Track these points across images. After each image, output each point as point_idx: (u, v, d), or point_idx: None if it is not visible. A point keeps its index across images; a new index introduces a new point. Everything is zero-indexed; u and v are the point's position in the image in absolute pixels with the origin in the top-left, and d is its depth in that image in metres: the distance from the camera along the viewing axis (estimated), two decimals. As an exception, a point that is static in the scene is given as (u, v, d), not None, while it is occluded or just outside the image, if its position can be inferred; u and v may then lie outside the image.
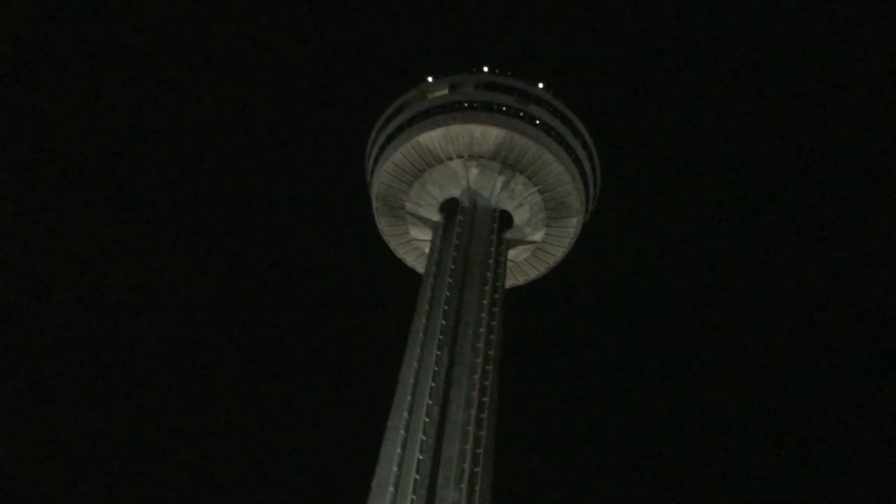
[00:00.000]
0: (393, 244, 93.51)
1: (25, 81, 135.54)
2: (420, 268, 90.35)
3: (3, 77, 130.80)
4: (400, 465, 61.54)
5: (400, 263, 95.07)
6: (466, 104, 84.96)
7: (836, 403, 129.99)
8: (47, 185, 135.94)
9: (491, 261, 79.18)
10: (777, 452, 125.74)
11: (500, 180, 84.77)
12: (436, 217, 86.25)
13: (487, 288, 76.14)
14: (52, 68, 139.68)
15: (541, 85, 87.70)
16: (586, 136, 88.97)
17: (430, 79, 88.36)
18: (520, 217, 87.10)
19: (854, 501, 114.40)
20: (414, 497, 59.91)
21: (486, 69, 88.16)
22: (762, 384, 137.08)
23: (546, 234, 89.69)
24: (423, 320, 72.23)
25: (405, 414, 64.75)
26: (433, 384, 67.28)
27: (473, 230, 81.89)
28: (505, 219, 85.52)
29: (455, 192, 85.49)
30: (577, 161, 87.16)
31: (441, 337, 70.91)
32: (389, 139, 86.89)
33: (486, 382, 68.09)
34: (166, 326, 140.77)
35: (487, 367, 69.34)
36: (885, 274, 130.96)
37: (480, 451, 62.97)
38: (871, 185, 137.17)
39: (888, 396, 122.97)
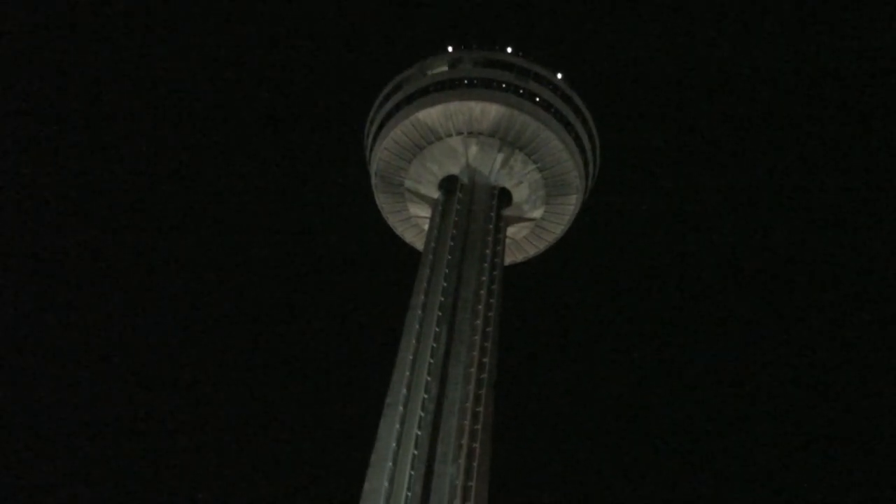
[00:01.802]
0: (392, 221, 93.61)
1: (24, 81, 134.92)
2: (419, 245, 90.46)
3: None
4: (398, 441, 61.81)
5: (399, 240, 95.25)
6: (466, 81, 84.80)
7: (841, 397, 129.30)
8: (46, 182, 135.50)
9: (490, 238, 79.28)
10: (783, 445, 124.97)
11: (499, 157, 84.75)
12: (435, 194, 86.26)
13: (486, 265, 76.28)
14: (50, 67, 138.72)
15: (541, 62, 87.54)
16: (586, 113, 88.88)
17: (429, 55, 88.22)
18: (519, 194, 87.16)
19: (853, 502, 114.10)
20: (412, 472, 60.25)
21: (485, 46, 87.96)
22: (765, 368, 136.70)
23: (545, 211, 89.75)
24: (422, 297, 72.39)
25: (404, 390, 64.99)
26: (431, 361, 67.52)
27: (472, 207, 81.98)
28: (504, 196, 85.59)
29: (454, 170, 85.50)
30: (576, 138, 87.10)
31: (440, 314, 71.09)
32: (388, 116, 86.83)
33: (485, 359, 68.29)
34: (165, 299, 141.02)
35: (486, 344, 69.54)
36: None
37: (479, 427, 63.16)
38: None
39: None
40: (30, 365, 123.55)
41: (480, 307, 72.29)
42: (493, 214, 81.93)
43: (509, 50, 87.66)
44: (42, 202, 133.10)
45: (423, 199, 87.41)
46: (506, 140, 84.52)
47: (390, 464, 60.12)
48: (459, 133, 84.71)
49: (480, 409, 64.44)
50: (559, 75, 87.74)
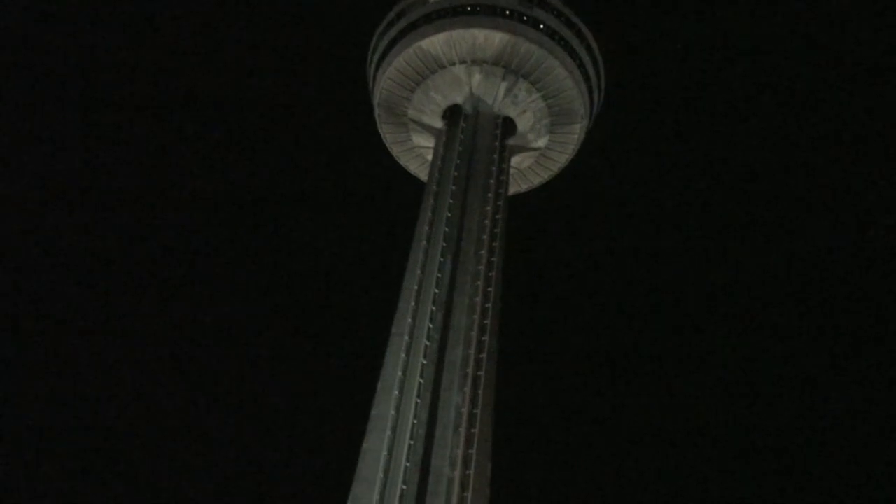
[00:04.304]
0: (396, 151, 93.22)
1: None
2: (423, 175, 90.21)
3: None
4: (404, 371, 62.48)
5: (403, 171, 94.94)
6: (469, 8, 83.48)
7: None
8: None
9: (494, 167, 79.00)
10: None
11: (503, 86, 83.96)
12: (438, 124, 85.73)
13: (490, 195, 76.18)
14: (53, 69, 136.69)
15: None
16: (591, 40, 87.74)
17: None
18: (523, 123, 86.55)
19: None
20: (418, 400, 61.02)
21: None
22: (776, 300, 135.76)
23: (549, 140, 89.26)
24: (427, 227, 72.47)
25: (409, 320, 65.48)
26: (436, 291, 67.89)
27: (476, 137, 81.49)
28: (508, 125, 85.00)
29: (458, 99, 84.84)
30: (581, 66, 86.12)
31: (444, 244, 71.21)
32: (391, 45, 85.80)
33: (490, 289, 68.66)
34: (172, 232, 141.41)
35: (490, 274, 69.85)
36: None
37: (483, 355, 63.77)
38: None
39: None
40: (30, 364, 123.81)
41: (485, 237, 72.38)
42: (497, 144, 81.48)
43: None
44: (44, 199, 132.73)
45: (427, 128, 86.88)
46: (510, 68, 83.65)
47: (396, 392, 60.89)
48: (463, 61, 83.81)
49: (485, 338, 64.97)
50: (564, 2, 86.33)
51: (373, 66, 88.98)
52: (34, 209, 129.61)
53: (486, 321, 66.25)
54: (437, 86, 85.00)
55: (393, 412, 59.79)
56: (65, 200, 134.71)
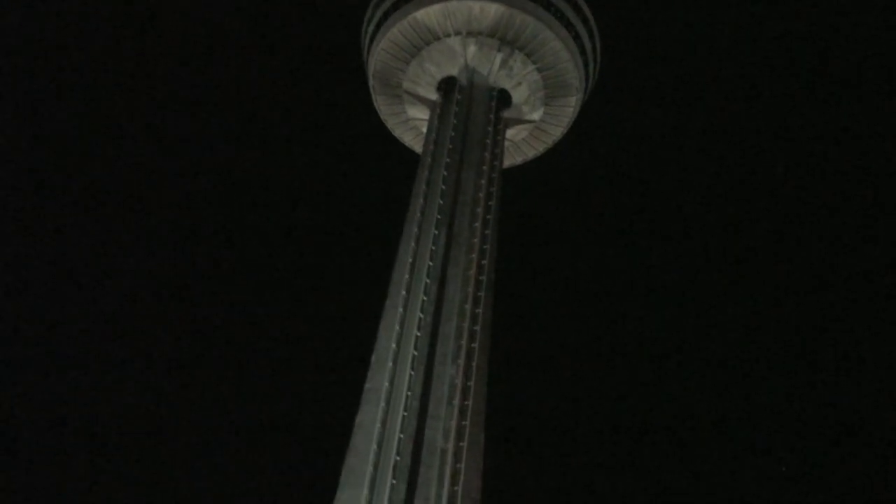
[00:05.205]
0: (390, 124, 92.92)
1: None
2: (417, 147, 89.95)
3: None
4: (398, 343, 62.52)
5: (397, 143, 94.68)
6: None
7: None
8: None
9: (489, 140, 78.82)
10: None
11: (498, 58, 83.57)
12: (433, 96, 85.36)
13: (485, 167, 76.03)
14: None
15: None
16: (587, 12, 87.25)
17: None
18: (518, 96, 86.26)
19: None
20: (412, 373, 61.12)
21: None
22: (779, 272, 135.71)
23: (545, 113, 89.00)
24: (421, 200, 72.34)
25: (403, 292, 65.48)
26: (431, 263, 67.85)
27: (471, 109, 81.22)
28: (503, 97, 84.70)
29: (453, 71, 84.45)
30: (576, 38, 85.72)
31: (439, 216, 71.14)
32: (386, 15, 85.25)
33: (484, 261, 68.75)
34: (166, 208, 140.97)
35: (485, 246, 69.92)
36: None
37: (477, 328, 63.98)
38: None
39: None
40: (30, 364, 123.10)
41: (479, 210, 72.36)
42: (492, 116, 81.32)
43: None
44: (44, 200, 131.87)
45: (422, 100, 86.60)
46: (505, 40, 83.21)
47: (391, 364, 60.95)
48: (458, 33, 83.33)
49: (479, 310, 65.13)
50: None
51: (367, 37, 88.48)
52: (34, 209, 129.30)
53: (480, 294, 66.37)
54: (431, 57, 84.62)
55: (387, 384, 59.89)
56: (65, 201, 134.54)
